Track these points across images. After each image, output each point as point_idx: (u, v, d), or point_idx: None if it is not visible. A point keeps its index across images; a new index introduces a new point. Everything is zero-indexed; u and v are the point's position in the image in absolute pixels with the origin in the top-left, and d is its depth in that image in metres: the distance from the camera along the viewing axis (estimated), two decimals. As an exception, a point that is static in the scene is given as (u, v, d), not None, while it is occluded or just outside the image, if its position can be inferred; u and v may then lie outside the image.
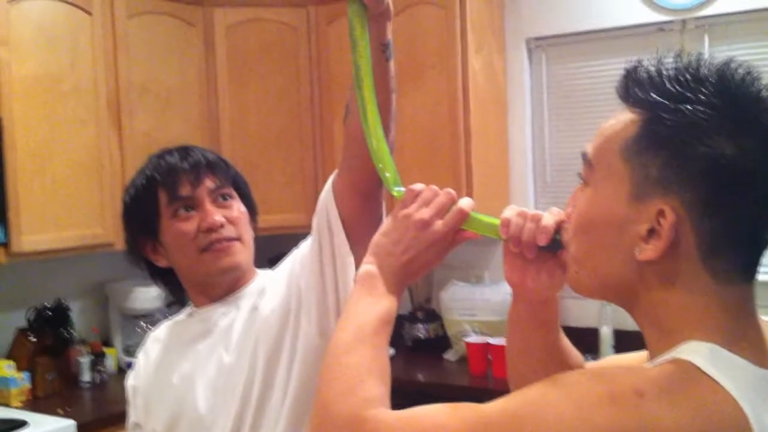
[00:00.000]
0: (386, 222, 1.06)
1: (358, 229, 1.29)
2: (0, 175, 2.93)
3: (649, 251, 0.83)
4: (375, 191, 1.30)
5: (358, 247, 1.26)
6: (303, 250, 1.41)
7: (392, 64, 1.23)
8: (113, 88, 3.30)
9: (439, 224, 1.02)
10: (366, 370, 0.92)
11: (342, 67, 3.56)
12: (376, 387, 0.91)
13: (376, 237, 1.05)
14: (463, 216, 1.03)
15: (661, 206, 0.82)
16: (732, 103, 0.82)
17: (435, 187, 1.04)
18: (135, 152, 3.27)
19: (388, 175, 1.11)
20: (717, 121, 0.81)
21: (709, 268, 0.83)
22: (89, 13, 3.22)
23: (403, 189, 1.08)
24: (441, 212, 1.03)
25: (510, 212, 1.01)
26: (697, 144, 0.80)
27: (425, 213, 1.02)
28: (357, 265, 1.18)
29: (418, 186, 1.05)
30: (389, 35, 1.20)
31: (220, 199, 1.47)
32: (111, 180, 3.27)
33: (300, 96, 3.74)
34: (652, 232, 0.83)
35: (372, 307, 0.99)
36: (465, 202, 1.04)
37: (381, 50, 1.18)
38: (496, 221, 1.01)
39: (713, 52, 3.14)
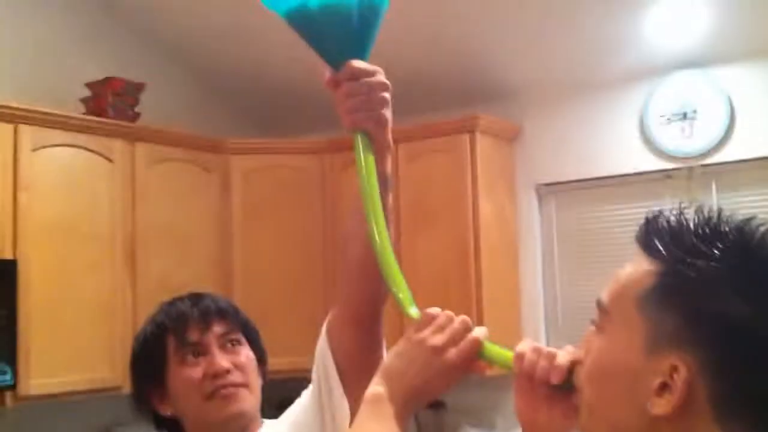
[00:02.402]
0: (399, 344, 1.04)
1: (356, 372, 1.27)
2: (13, 318, 2.94)
3: (662, 406, 0.81)
4: (373, 325, 1.29)
5: (357, 390, 1.21)
6: (304, 398, 1.39)
7: (391, 197, 1.25)
8: (129, 232, 3.36)
9: (452, 352, 1.01)
10: None
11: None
12: None
13: (389, 358, 1.04)
14: (477, 346, 1.02)
15: (674, 361, 0.80)
16: (750, 263, 0.81)
17: (451, 313, 1.04)
18: (147, 296, 3.27)
19: (401, 296, 1.10)
20: (734, 281, 0.80)
21: (722, 427, 0.80)
22: (110, 161, 3.32)
23: (418, 311, 1.07)
24: (455, 340, 1.01)
25: (524, 346, 0.99)
26: (712, 303, 0.79)
27: (439, 339, 1.01)
28: (354, 411, 1.16)
29: (434, 310, 1.04)
30: (389, 168, 1.23)
31: (228, 345, 1.46)
32: (122, 323, 3.26)
33: (313, 240, 3.79)
34: (665, 387, 0.81)
35: (378, 430, 0.98)
36: (480, 332, 1.03)
37: (381, 182, 1.20)
38: (510, 354, 1.00)
39: (721, 200, 3.17)
